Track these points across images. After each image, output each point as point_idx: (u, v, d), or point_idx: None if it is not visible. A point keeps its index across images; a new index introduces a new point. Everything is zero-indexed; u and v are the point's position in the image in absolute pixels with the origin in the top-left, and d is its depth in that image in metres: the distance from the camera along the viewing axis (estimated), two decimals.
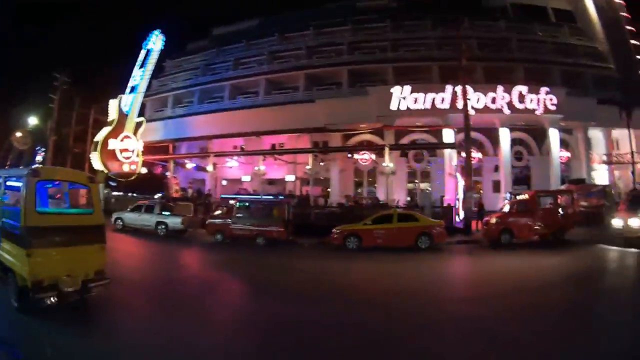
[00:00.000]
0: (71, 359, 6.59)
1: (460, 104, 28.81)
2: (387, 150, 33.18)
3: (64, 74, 36.79)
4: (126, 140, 34.19)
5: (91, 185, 9.50)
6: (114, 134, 33.48)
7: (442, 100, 32.71)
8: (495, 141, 35.86)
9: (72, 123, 43.01)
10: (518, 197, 23.71)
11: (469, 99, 27.75)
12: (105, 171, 32.48)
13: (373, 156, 37.27)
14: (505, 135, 34.53)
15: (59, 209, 9.77)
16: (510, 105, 32.84)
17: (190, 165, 40.86)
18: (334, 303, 10.20)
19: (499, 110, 32.86)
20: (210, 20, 57.42)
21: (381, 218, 20.02)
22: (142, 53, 36.23)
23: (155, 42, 36.18)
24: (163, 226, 23.28)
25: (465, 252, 20.13)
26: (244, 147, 41.37)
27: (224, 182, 43.73)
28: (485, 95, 32.60)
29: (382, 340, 7.50)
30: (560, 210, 20.91)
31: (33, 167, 10.01)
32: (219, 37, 50.24)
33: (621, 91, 36.18)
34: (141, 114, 36.81)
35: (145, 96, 38.09)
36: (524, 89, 33.22)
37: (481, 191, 35.73)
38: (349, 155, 38.32)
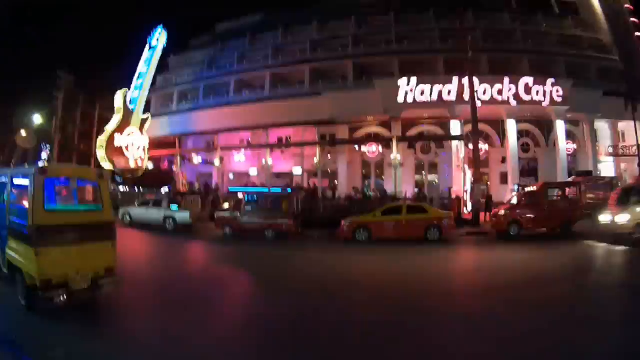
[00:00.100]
0: None
1: (467, 96, 28.73)
2: (394, 142, 33.06)
3: (68, 72, 36.80)
4: (132, 136, 34.29)
5: (100, 182, 9.32)
6: (119, 129, 33.53)
7: (449, 92, 32.43)
8: (501, 133, 35.70)
9: (77, 121, 43.16)
10: (526, 189, 23.67)
11: (475, 91, 27.67)
12: (112, 167, 32.47)
13: (380, 148, 37.10)
14: (512, 127, 34.29)
15: (68, 207, 9.61)
16: (516, 96, 32.53)
17: (197, 159, 40.82)
18: (351, 298, 10.14)
19: (506, 102, 32.56)
20: (213, 16, 57.16)
21: (391, 210, 20.03)
22: (146, 49, 36.32)
23: (159, 38, 36.30)
24: (171, 221, 23.25)
25: (475, 245, 20.05)
26: (250, 140, 41.30)
27: (231, 176, 43.62)
28: (491, 86, 32.30)
29: (401, 337, 7.43)
30: (568, 202, 20.91)
31: (40, 164, 9.92)
32: (222, 32, 50.05)
33: (626, 83, 35.98)
34: (146, 109, 36.89)
35: (151, 92, 38.14)
36: (530, 80, 32.90)
37: (488, 183, 35.60)
38: (356, 148, 38.13)
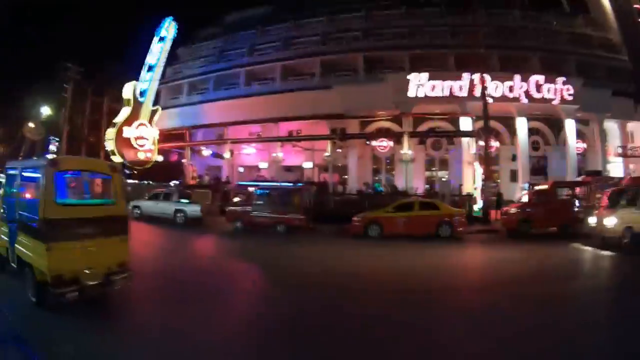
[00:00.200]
0: (94, 359, 6.23)
1: (478, 92, 28.64)
2: (405, 137, 32.95)
3: (77, 64, 36.79)
4: (141, 128, 34.26)
5: (114, 175, 9.10)
6: (129, 122, 33.55)
7: (460, 87, 32.21)
8: (512, 130, 35.54)
9: (86, 112, 43.20)
10: (536, 188, 23.62)
11: (486, 87, 27.57)
12: (121, 159, 32.49)
13: (391, 143, 37.00)
14: (522, 125, 34.04)
15: (80, 200, 9.29)
16: (527, 94, 32.34)
17: (206, 152, 40.77)
18: (365, 292, 10.14)
19: (517, 99, 32.39)
20: (222, 7, 56.90)
21: (403, 206, 19.93)
22: (155, 41, 36.25)
23: (168, 29, 36.15)
24: (181, 214, 23.21)
25: (486, 242, 19.96)
26: (260, 134, 41.29)
27: (241, 169, 43.46)
28: (502, 83, 32.14)
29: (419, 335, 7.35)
30: (578, 201, 20.81)
31: (51, 156, 9.79)
32: (232, 23, 49.58)
33: (635, 83, 35.78)
34: (156, 101, 36.84)
35: (160, 84, 37.97)
36: (541, 78, 32.66)
37: (498, 180, 35.49)
38: (367, 142, 38.04)
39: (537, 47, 37.35)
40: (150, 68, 35.37)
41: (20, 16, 54.59)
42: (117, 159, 31.96)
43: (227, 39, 47.77)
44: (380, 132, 37.97)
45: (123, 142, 33.13)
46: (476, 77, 29.10)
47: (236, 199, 23.23)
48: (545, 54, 37.11)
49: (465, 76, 31.89)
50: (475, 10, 28.16)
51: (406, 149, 32.60)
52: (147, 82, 34.89)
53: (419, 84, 32.68)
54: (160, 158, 36.87)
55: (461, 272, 13.49)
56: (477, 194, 27.45)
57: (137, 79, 34.84)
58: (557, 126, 36.05)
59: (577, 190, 21.75)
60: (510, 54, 36.40)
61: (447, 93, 32.46)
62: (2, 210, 9.80)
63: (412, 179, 33.56)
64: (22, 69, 52.78)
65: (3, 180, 10.53)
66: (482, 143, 27.50)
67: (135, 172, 34.31)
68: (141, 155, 34.23)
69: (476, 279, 12.63)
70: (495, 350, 6.63)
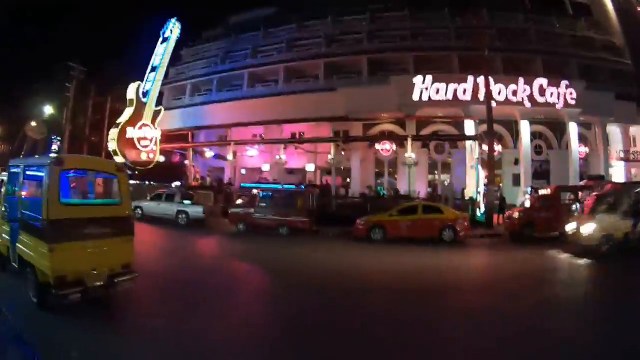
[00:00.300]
0: None
1: (482, 96, 28.57)
2: (409, 140, 32.87)
3: (80, 63, 36.76)
4: (144, 129, 34.16)
5: (119, 175, 8.98)
6: (132, 122, 33.48)
7: (464, 91, 32.04)
8: (515, 134, 35.44)
9: (89, 112, 43.16)
10: (540, 192, 23.58)
11: (491, 90, 27.50)
12: (123, 160, 32.42)
13: (394, 147, 36.90)
14: (525, 129, 33.89)
15: (85, 200, 9.23)
16: (531, 98, 32.27)
17: (209, 153, 40.69)
18: (370, 294, 10.19)
19: (520, 103, 32.27)
20: (226, 8, 56.93)
21: (407, 209, 19.93)
22: (160, 41, 36.26)
23: (173, 30, 36.15)
24: (184, 215, 23.17)
25: (489, 246, 19.88)
26: (263, 135, 41.24)
27: (243, 171, 43.33)
28: (506, 87, 32.05)
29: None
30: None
31: (56, 155, 9.66)
32: (235, 25, 49.57)
33: (639, 86, 35.68)
34: (159, 102, 36.71)
35: (163, 84, 37.92)
36: (544, 81, 32.48)
37: (501, 185, 35.38)
38: (370, 145, 37.90)
39: (541, 50, 37.14)
40: (154, 69, 35.29)
41: (26, 15, 54.79)
42: (119, 159, 31.77)
43: (230, 41, 47.62)
44: (384, 135, 37.83)
45: (126, 142, 33.04)
46: (481, 80, 29.03)
47: (239, 201, 23.16)
48: (548, 57, 36.89)
49: (470, 79, 31.80)
50: (479, 13, 28.03)
51: (410, 153, 32.50)
52: (151, 82, 34.80)
53: (424, 87, 32.59)
54: (162, 159, 36.83)
55: (464, 276, 13.49)
56: (480, 198, 27.35)
57: (140, 79, 34.71)
58: (559, 130, 35.89)
59: (580, 195, 21.67)
60: (514, 56, 36.17)
61: (451, 97, 32.31)
62: (3, 209, 9.68)
63: (414, 182, 33.49)
64: (26, 68, 52.98)
65: (5, 179, 10.40)
66: (485, 147, 27.39)
67: (137, 172, 34.24)
68: (144, 156, 34.09)
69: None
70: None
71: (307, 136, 39.15)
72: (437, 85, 32.47)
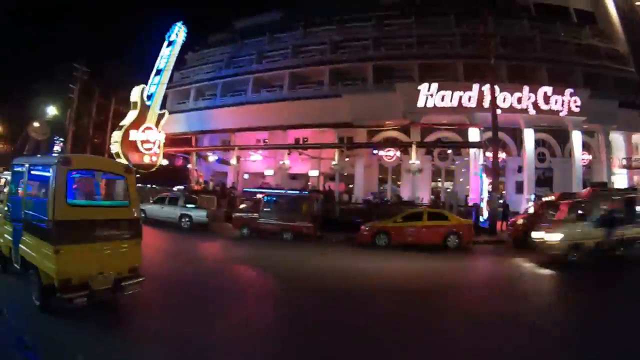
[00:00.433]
0: None
1: (486, 103, 28.55)
2: (414, 147, 32.80)
3: (84, 64, 36.80)
4: (148, 132, 34.13)
5: (128, 176, 8.78)
6: (135, 125, 33.49)
7: (469, 98, 32.06)
8: (518, 141, 35.42)
9: (92, 113, 43.15)
10: (544, 199, 23.48)
11: (496, 98, 27.44)
12: (126, 162, 32.38)
13: (398, 153, 36.83)
14: (529, 136, 33.85)
15: (92, 201, 8.98)
16: (535, 105, 32.25)
17: (212, 158, 40.67)
18: (376, 300, 10.09)
19: (524, 111, 32.26)
20: (232, 13, 57.07)
21: (411, 216, 19.87)
22: (165, 44, 36.30)
23: (178, 34, 36.18)
24: (187, 219, 23.08)
25: (493, 253, 19.76)
26: (266, 140, 41.16)
27: (246, 176, 43.34)
28: (511, 95, 32.03)
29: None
30: None
31: (63, 155, 9.52)
32: (241, 29, 49.58)
33: None
34: (163, 105, 36.68)
35: (167, 88, 37.88)
36: (549, 89, 32.49)
37: (503, 192, 35.28)
38: (374, 152, 37.80)
39: (545, 58, 37.15)
40: (159, 72, 35.30)
41: (31, 15, 54.94)
42: (122, 161, 31.82)
43: (235, 45, 47.77)
44: (388, 141, 37.82)
45: (129, 145, 33.03)
46: (485, 88, 29.01)
47: (242, 205, 23.09)
48: (553, 64, 36.86)
49: (475, 87, 31.79)
50: (484, 21, 28.02)
51: (414, 159, 32.43)
52: (155, 85, 34.78)
53: (429, 94, 32.58)
54: (165, 162, 36.82)
55: (467, 282, 13.40)
56: (483, 205, 27.29)
57: (144, 82, 34.72)
58: (563, 138, 35.92)
59: None
60: (518, 64, 36.19)
61: (455, 104, 32.33)
62: (6, 209, 9.47)
63: (418, 189, 33.44)
64: (29, 68, 53.09)
65: (8, 178, 10.25)
66: (489, 154, 27.35)
67: (139, 175, 34.20)
68: (146, 159, 34.07)
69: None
70: None
71: (311, 142, 39.09)
72: (442, 92, 32.52)
